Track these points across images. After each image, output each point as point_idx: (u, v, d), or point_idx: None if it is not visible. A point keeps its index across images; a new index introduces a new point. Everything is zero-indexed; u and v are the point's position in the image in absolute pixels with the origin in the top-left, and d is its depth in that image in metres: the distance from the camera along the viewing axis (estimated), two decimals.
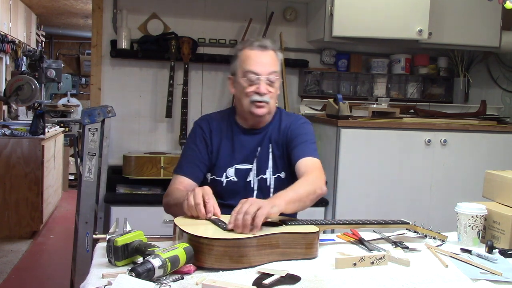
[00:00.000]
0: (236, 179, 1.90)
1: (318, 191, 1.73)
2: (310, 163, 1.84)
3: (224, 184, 1.90)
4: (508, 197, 1.76)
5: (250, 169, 1.91)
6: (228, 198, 1.89)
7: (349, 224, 1.70)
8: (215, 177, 1.91)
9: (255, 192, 1.90)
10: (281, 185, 1.88)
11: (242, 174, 1.90)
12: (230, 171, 1.90)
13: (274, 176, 1.92)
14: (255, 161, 1.91)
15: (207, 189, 1.59)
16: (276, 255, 1.44)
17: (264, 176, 1.91)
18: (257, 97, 1.83)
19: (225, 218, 1.56)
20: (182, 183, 1.87)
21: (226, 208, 1.79)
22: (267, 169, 1.91)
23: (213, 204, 1.57)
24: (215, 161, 1.92)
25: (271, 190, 1.91)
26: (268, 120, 1.94)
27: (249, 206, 1.45)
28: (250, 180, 1.90)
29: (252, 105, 1.84)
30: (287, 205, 1.59)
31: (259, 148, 1.92)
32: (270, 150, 1.93)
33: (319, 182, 1.76)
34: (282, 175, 1.93)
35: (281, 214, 1.62)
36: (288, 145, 1.92)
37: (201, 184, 1.91)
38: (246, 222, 1.41)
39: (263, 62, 1.84)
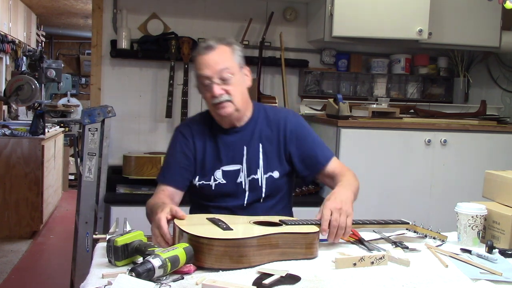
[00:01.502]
0: (224, 181, 1.83)
1: (358, 186, 1.83)
2: (338, 164, 1.91)
3: (213, 188, 1.83)
4: (508, 197, 1.76)
5: (240, 170, 1.83)
6: (218, 201, 1.85)
7: None
8: (203, 181, 1.84)
9: (247, 193, 1.83)
10: (273, 185, 1.85)
11: (231, 176, 1.83)
12: (218, 174, 1.83)
13: (265, 176, 1.84)
14: (244, 161, 1.84)
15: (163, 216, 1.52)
16: (276, 255, 1.43)
17: (256, 177, 1.83)
18: (215, 100, 1.77)
19: (225, 218, 1.56)
20: (165, 192, 1.81)
21: (216, 209, 1.81)
22: (258, 168, 1.84)
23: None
24: (201, 165, 1.85)
25: (263, 190, 1.84)
26: (242, 116, 1.85)
27: (339, 216, 1.59)
28: (241, 182, 1.83)
29: (215, 107, 1.79)
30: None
31: (245, 147, 1.85)
32: (260, 148, 1.85)
33: (357, 179, 1.86)
34: (275, 174, 1.85)
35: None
36: (297, 144, 1.87)
37: (189, 190, 1.87)
38: (339, 233, 1.59)
39: (209, 63, 1.76)
